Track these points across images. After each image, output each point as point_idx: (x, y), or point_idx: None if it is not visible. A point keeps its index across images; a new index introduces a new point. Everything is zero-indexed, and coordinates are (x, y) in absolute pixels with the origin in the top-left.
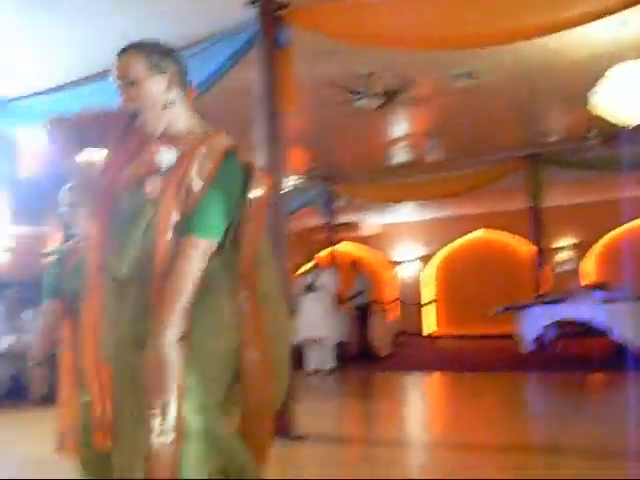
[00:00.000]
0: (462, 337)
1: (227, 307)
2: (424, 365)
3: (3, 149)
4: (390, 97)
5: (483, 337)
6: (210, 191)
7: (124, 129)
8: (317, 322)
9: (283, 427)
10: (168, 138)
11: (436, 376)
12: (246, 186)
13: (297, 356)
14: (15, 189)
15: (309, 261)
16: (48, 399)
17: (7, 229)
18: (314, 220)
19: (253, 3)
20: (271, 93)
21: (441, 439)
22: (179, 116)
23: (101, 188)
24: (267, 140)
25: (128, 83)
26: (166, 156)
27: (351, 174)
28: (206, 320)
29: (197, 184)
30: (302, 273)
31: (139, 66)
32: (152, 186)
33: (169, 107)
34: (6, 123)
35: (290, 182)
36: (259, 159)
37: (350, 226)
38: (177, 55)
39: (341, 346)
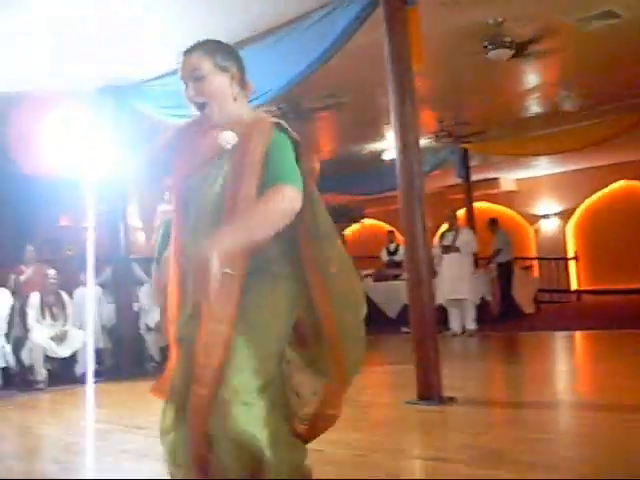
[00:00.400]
0: (607, 292)
1: (285, 291)
2: (568, 323)
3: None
4: (522, 47)
5: (630, 291)
6: (274, 154)
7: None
8: (457, 283)
9: (430, 390)
10: (230, 124)
11: (581, 334)
12: (296, 159)
13: (440, 318)
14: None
15: (447, 222)
16: None
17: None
18: (449, 180)
19: None
20: (400, 52)
21: (587, 400)
22: (241, 109)
23: (174, 175)
24: (399, 100)
25: (196, 78)
26: (230, 135)
27: (483, 130)
28: (263, 303)
29: (259, 154)
30: (441, 234)
31: (206, 64)
32: (220, 162)
33: (233, 101)
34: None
35: (422, 143)
36: (392, 120)
37: (486, 184)
38: (237, 53)
39: (483, 306)
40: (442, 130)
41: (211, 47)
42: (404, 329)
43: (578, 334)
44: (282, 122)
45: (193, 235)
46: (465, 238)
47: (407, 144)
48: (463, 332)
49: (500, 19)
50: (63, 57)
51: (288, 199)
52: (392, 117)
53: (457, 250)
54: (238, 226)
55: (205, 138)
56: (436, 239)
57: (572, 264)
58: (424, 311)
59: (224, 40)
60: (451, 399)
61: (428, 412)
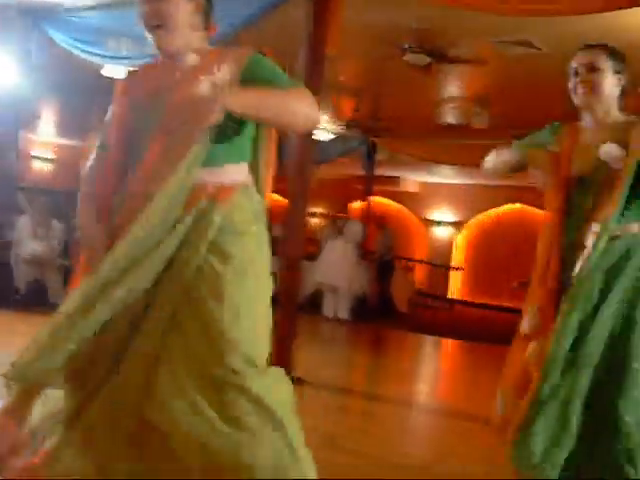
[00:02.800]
0: (484, 306)
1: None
2: (440, 328)
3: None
4: (439, 56)
5: (504, 309)
6: (263, 66)
7: None
8: (336, 269)
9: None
10: (186, 52)
11: (449, 342)
12: None
13: (315, 300)
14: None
15: (342, 209)
16: None
17: (51, 139)
18: (355, 170)
19: None
20: (317, 34)
21: (433, 403)
22: (202, 43)
23: (121, 102)
24: (309, 79)
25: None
26: (191, 57)
27: (395, 128)
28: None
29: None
30: (332, 220)
31: None
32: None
33: (192, 31)
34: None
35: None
36: None
37: (388, 180)
38: None
39: (360, 298)
40: (355, 119)
41: None
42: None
43: (446, 341)
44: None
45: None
46: (353, 228)
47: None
48: (336, 318)
49: (425, 26)
50: None
51: (312, 103)
52: None
53: (351, 239)
54: (264, 94)
55: (161, 69)
56: (327, 225)
57: (454, 274)
58: (289, 293)
59: None
60: (300, 380)
61: None
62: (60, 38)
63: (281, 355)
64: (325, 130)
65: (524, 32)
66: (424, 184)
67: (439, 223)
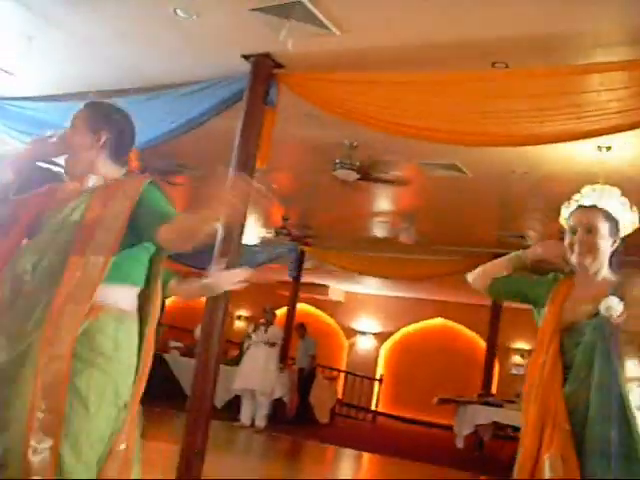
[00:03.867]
0: (406, 420)
1: None
2: (360, 442)
3: None
4: (368, 173)
5: (426, 424)
6: (145, 198)
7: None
8: (256, 375)
9: (189, 476)
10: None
11: (368, 457)
12: None
13: (234, 407)
14: None
15: (268, 312)
16: None
17: None
18: (282, 276)
19: (247, 58)
20: (248, 147)
21: None
22: (102, 164)
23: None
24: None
25: (70, 126)
26: (90, 182)
27: (323, 238)
28: None
29: (124, 201)
30: (256, 324)
31: (79, 120)
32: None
33: (89, 153)
34: None
35: (261, 234)
36: None
37: (315, 288)
38: (116, 121)
39: (279, 405)
40: (284, 227)
41: (93, 106)
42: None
43: (367, 455)
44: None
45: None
46: (274, 333)
47: (230, 238)
48: (252, 426)
49: (355, 143)
50: None
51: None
52: None
53: (273, 345)
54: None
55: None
56: (250, 328)
57: (375, 385)
58: (203, 399)
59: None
60: None
61: None
62: (2, 127)
63: (190, 463)
64: (254, 235)
65: (450, 156)
66: (350, 294)
67: (363, 333)
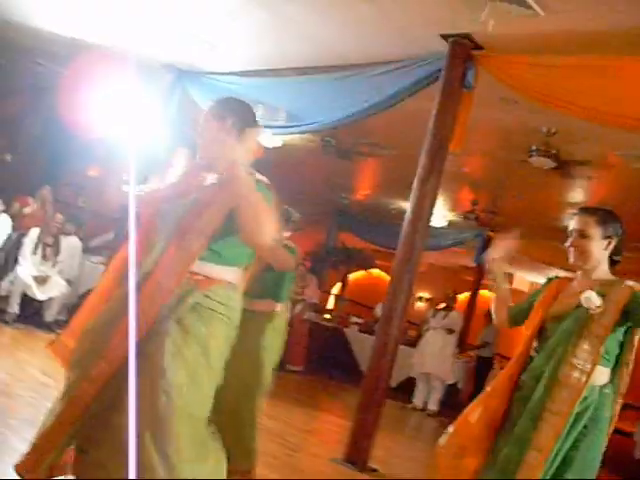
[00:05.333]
0: None
1: None
2: None
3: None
4: (567, 163)
5: None
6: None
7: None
8: (433, 359)
9: (357, 455)
10: (214, 168)
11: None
12: None
13: (407, 388)
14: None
15: (449, 297)
16: None
17: None
18: (467, 261)
19: (446, 38)
20: (442, 130)
21: None
22: (234, 154)
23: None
24: (424, 176)
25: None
26: (209, 176)
27: (511, 225)
28: None
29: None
30: (435, 309)
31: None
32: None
33: (221, 145)
34: (197, 94)
35: (449, 217)
36: (412, 191)
37: None
38: (247, 110)
39: (454, 390)
40: (472, 212)
41: (225, 104)
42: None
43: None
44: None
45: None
46: (453, 319)
47: (418, 218)
48: (424, 409)
49: (553, 130)
50: (140, 23)
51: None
52: (413, 189)
53: (451, 332)
54: None
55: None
56: (429, 312)
57: None
58: (379, 379)
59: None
60: (374, 470)
61: (344, 475)
62: (200, 99)
63: (360, 442)
64: (441, 217)
65: None
66: (534, 284)
67: None
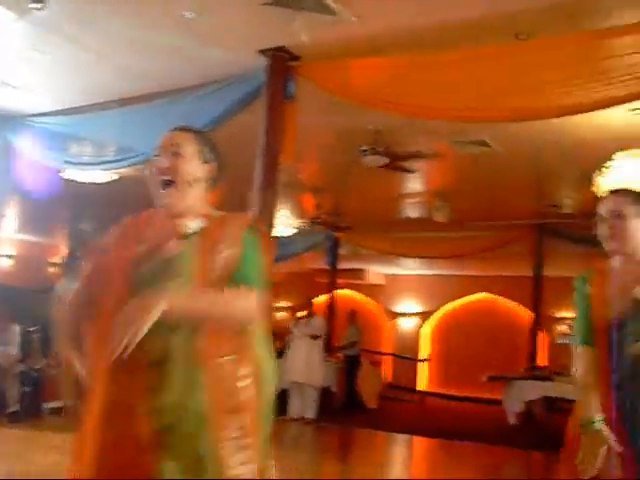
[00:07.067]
0: (454, 397)
1: None
2: (410, 425)
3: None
4: (397, 156)
5: (475, 400)
6: (247, 255)
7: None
8: (302, 367)
9: None
10: (193, 215)
11: (419, 440)
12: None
13: (281, 401)
14: (22, 199)
15: (307, 303)
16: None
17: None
18: (319, 263)
19: (263, 53)
20: (272, 143)
21: None
22: (202, 199)
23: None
24: (262, 187)
25: (174, 153)
26: (192, 224)
27: (357, 224)
28: None
29: (229, 250)
30: (297, 317)
31: (190, 144)
32: (177, 247)
33: (200, 192)
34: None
35: (296, 225)
36: (253, 204)
37: (354, 273)
38: (219, 152)
39: (327, 395)
40: (317, 216)
41: (201, 135)
42: None
43: (417, 439)
44: (253, 218)
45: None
46: (316, 325)
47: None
48: (301, 418)
49: (380, 128)
50: None
51: (255, 305)
52: (252, 204)
53: (316, 337)
54: (204, 298)
55: (160, 222)
56: (291, 322)
57: (422, 365)
58: None
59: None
60: None
61: None
62: (21, 143)
63: None
64: (288, 226)
65: (478, 132)
66: (389, 276)
67: (406, 314)
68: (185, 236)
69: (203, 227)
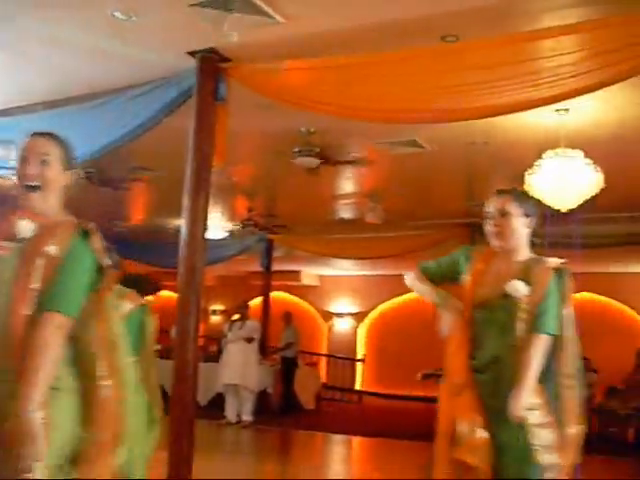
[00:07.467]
0: (391, 396)
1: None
2: (347, 426)
3: None
4: (329, 158)
5: (412, 398)
6: (67, 265)
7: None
8: (238, 370)
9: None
10: (33, 213)
11: (357, 440)
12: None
13: (218, 404)
14: None
15: (241, 307)
16: None
17: None
18: (253, 266)
19: (193, 55)
20: (202, 146)
21: None
22: (59, 205)
23: None
24: (193, 190)
25: (42, 161)
26: (25, 227)
27: (291, 225)
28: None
29: (54, 258)
30: (231, 321)
31: (56, 152)
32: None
33: (59, 196)
34: None
35: (229, 228)
36: (183, 211)
37: (288, 275)
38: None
39: (263, 398)
40: (250, 219)
41: (64, 143)
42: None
43: (355, 439)
44: (89, 225)
45: None
46: (250, 328)
47: (194, 238)
48: (238, 422)
49: (312, 129)
50: None
51: (56, 329)
52: (183, 208)
53: (250, 340)
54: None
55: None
56: (225, 326)
57: (358, 365)
58: (185, 406)
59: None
60: None
61: None
62: None
63: (179, 470)
64: (221, 229)
65: (409, 133)
66: (324, 277)
67: (341, 315)
68: (16, 239)
69: (36, 232)
